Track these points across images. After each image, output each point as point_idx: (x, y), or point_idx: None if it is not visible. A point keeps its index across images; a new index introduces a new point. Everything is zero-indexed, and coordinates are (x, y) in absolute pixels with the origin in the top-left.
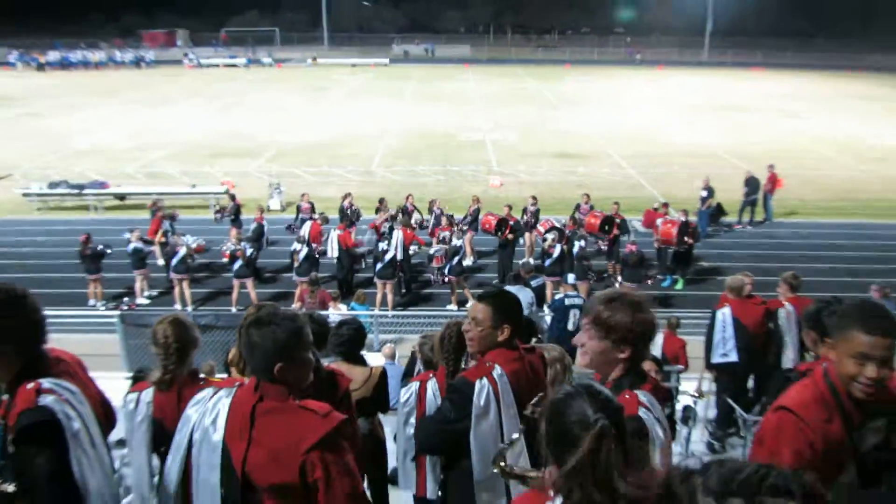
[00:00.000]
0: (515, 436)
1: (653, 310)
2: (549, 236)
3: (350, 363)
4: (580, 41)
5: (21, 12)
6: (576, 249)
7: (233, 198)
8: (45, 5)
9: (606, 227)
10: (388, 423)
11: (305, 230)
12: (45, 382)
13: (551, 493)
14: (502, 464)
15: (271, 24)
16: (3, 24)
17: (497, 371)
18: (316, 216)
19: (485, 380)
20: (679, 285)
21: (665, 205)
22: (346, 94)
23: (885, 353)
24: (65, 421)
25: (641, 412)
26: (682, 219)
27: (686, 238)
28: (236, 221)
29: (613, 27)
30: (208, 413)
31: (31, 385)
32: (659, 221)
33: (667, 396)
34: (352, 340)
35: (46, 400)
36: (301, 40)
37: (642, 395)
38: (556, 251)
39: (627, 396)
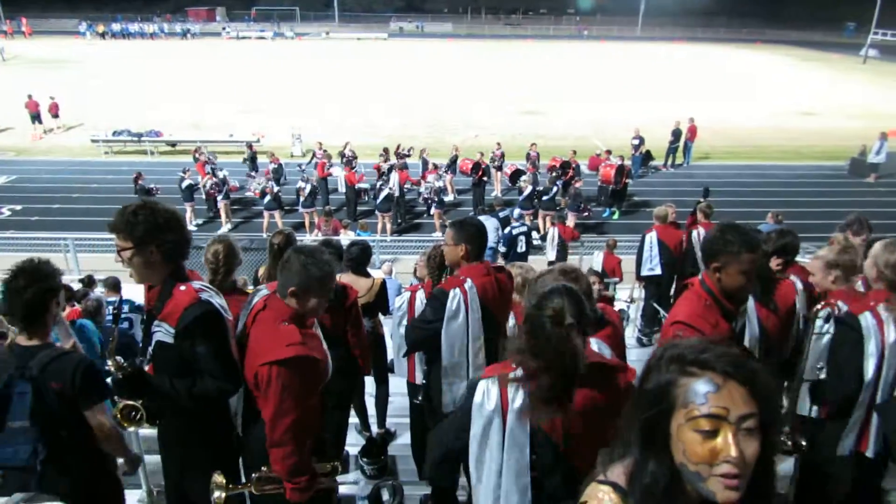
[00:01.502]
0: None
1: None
2: (524, 178)
3: (357, 275)
4: (539, 20)
5: None
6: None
7: (250, 146)
8: None
9: (563, 169)
10: (386, 325)
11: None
12: (196, 284)
13: (514, 364)
14: None
15: (292, 4)
16: (72, 1)
17: (468, 283)
18: (323, 158)
19: (457, 290)
20: (616, 216)
21: (608, 151)
22: (353, 62)
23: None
24: (223, 312)
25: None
26: (619, 162)
27: (622, 178)
28: (253, 165)
29: (566, 9)
30: (247, 306)
31: (184, 287)
32: (601, 165)
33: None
34: (359, 257)
35: (205, 296)
36: (317, 18)
37: (594, 343)
38: (528, 190)
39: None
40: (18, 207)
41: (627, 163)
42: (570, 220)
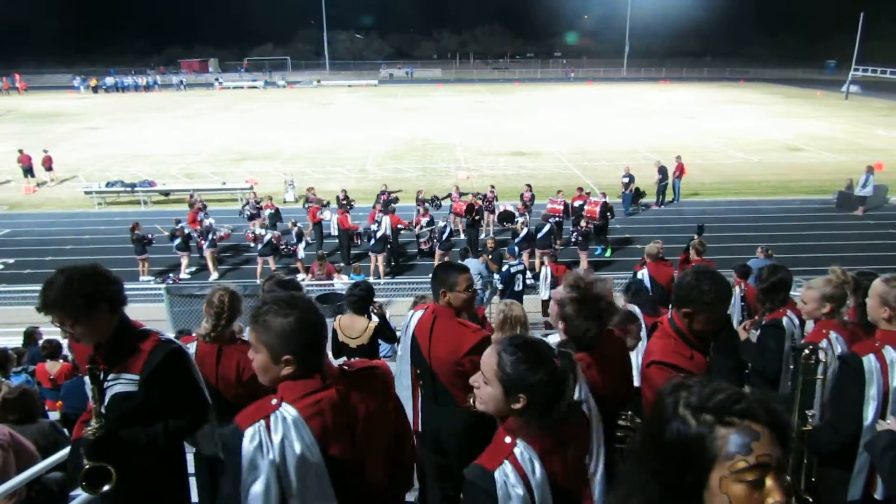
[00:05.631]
0: None
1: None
2: (520, 220)
3: (358, 315)
4: (526, 63)
5: (83, 45)
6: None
7: (254, 195)
8: (103, 40)
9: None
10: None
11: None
12: (149, 328)
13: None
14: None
15: (284, 54)
16: (68, 55)
17: (418, 312)
18: (314, 203)
19: (414, 312)
20: (608, 252)
21: (580, 189)
22: (344, 108)
23: None
24: (184, 348)
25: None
26: (603, 200)
27: (606, 214)
28: (257, 215)
29: (553, 52)
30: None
31: (139, 334)
32: (585, 203)
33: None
34: (362, 299)
35: (164, 337)
36: (308, 66)
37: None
38: (524, 232)
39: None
40: (11, 261)
41: (612, 200)
42: (583, 259)
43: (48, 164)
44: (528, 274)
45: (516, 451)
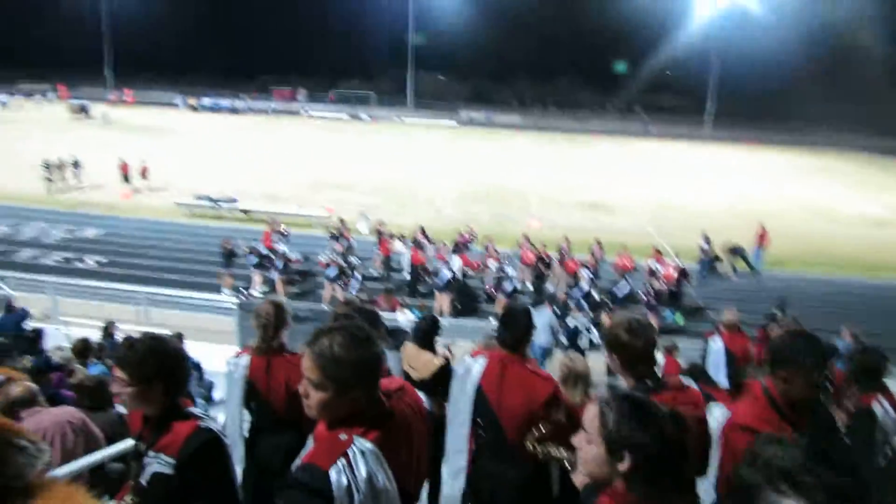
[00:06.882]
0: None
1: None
2: (584, 273)
3: (422, 348)
4: (605, 115)
5: (186, 70)
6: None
7: (342, 222)
8: (204, 66)
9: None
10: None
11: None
12: (194, 410)
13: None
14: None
15: (368, 89)
16: (172, 76)
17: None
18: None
19: (469, 360)
20: (679, 319)
21: (657, 251)
22: (423, 147)
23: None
24: (222, 437)
25: None
26: (680, 264)
27: (682, 279)
28: (340, 239)
29: (632, 105)
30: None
31: (182, 418)
32: (661, 266)
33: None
34: (426, 331)
35: (204, 424)
36: (391, 102)
37: None
38: (587, 287)
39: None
40: (105, 260)
41: (689, 265)
42: (653, 323)
43: (144, 174)
44: (595, 332)
45: None
